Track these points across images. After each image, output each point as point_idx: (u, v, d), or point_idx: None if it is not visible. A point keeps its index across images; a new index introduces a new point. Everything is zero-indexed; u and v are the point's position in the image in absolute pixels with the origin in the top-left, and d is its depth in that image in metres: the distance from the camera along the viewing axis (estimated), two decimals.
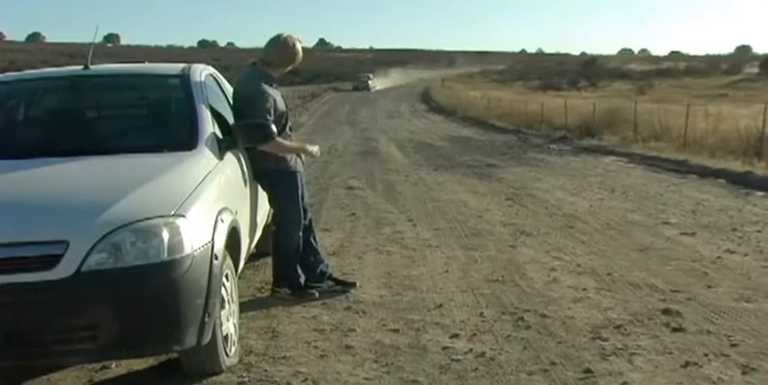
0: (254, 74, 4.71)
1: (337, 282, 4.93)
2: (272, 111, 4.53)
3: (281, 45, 4.71)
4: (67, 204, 3.13)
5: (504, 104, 31.44)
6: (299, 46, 4.73)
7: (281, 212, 4.73)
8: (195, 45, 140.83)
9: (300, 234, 4.74)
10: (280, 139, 4.48)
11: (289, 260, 4.72)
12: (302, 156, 4.83)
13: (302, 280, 4.77)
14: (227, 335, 3.56)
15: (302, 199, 4.79)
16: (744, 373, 3.51)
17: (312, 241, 4.89)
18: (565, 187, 10.11)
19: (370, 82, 70.52)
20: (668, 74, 67.93)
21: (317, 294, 4.73)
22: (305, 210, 4.83)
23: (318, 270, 4.86)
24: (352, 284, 4.94)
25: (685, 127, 15.82)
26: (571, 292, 4.88)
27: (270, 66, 4.72)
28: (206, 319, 3.18)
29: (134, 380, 3.53)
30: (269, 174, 4.62)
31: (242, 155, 4.42)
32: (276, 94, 4.65)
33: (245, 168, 4.41)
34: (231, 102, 4.74)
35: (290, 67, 4.85)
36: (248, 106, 4.53)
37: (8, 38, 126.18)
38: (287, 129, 4.71)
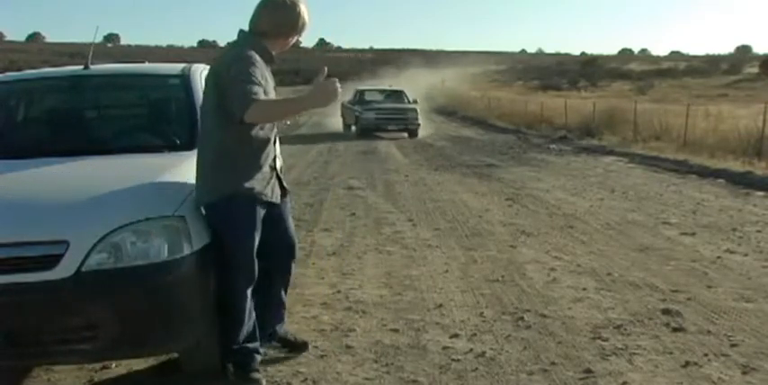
0: (244, 41, 3.31)
1: (286, 343, 3.77)
2: (259, 79, 3.09)
3: (276, 6, 3.29)
4: (68, 204, 3.12)
5: (504, 104, 31.50)
6: (302, 8, 3.32)
7: (231, 259, 3.24)
8: (195, 45, 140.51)
9: (250, 289, 3.31)
10: (259, 103, 3.00)
11: (237, 325, 3.32)
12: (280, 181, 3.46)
13: (258, 347, 3.43)
14: None
15: (285, 232, 3.54)
16: (744, 373, 3.51)
17: (281, 294, 3.65)
18: (565, 187, 10.12)
19: None
20: (668, 74, 67.70)
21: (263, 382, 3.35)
22: (290, 246, 3.58)
23: (270, 330, 3.65)
24: (303, 345, 3.80)
25: (685, 127, 15.85)
26: (571, 292, 4.88)
27: (264, 37, 3.31)
28: (206, 319, 3.17)
29: (134, 380, 3.53)
30: (216, 201, 3.21)
31: None
32: (268, 77, 3.26)
33: None
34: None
35: (293, 40, 3.41)
36: (228, 71, 3.11)
37: (8, 38, 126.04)
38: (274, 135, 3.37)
